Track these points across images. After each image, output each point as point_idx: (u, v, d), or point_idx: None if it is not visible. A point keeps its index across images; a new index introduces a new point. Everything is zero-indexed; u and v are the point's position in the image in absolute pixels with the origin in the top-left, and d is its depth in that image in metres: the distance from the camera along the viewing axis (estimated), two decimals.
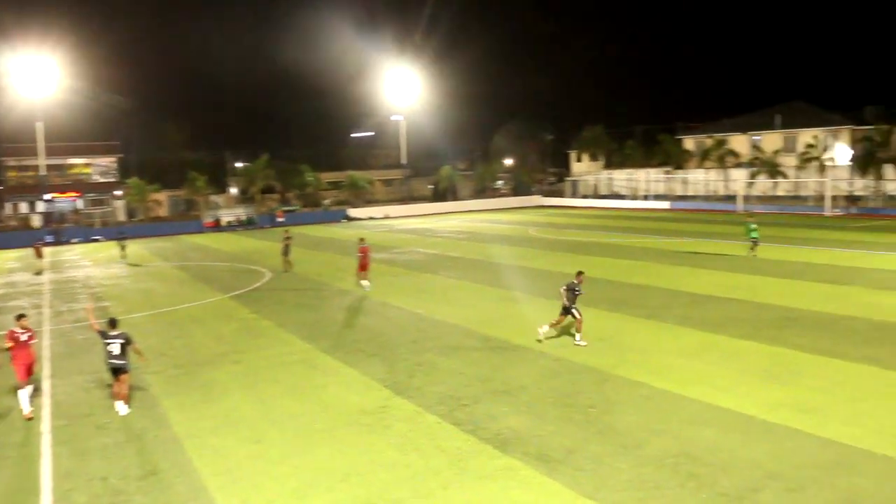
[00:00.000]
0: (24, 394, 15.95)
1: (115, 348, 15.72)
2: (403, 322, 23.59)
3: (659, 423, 13.55)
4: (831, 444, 12.25)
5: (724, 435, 12.85)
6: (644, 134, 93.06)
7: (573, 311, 19.68)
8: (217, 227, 75.17)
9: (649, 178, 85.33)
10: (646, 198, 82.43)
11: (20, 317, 16.82)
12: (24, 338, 16.20)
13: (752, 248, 35.38)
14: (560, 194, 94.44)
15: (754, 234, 35.34)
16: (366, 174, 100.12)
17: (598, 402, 14.96)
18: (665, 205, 76.53)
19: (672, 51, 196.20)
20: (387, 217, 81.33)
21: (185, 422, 15.04)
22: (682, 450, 12.26)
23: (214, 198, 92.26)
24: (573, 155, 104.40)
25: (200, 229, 74.58)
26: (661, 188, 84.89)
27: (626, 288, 27.82)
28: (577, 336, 19.70)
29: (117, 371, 15.79)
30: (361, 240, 32.55)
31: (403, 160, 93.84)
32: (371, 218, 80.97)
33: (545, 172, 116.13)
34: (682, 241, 43.25)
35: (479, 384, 16.53)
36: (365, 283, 30.28)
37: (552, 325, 20.08)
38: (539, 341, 19.80)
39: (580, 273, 20.68)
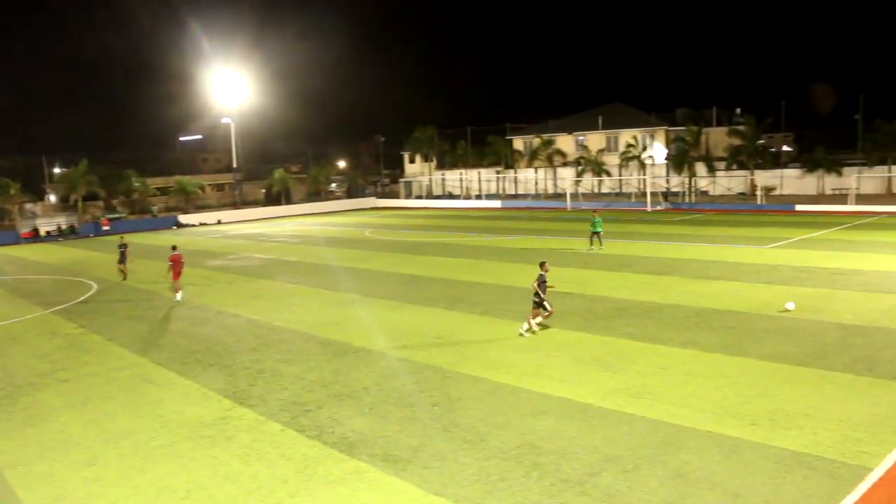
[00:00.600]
0: None
1: None
2: (241, 329, 23.04)
3: (501, 416, 13.90)
4: (661, 425, 12.98)
5: (563, 423, 13.35)
6: (474, 134, 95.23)
7: (545, 304, 19.94)
8: (35, 237, 70.62)
9: (481, 177, 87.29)
10: (478, 197, 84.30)
11: None
12: None
13: (594, 243, 37.02)
14: (395, 195, 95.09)
15: (598, 229, 36.92)
16: (196, 179, 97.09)
17: (441, 399, 15.17)
18: (497, 204, 78.54)
19: (499, 54, 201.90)
20: (219, 222, 79.13)
21: (6, 450, 14.00)
22: (524, 441, 12.63)
23: (30, 206, 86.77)
24: (406, 156, 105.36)
25: (17, 240, 69.84)
26: (492, 187, 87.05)
27: (462, 286, 28.36)
28: (526, 325, 20.21)
29: None
30: (174, 248, 31.11)
31: (235, 164, 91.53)
32: (203, 224, 78.52)
33: (379, 174, 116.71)
34: (514, 238, 44.56)
35: (322, 389, 16.39)
36: (178, 294, 29.36)
37: (529, 321, 20.26)
38: (520, 335, 19.99)
39: (543, 263, 20.78)
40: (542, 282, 20.16)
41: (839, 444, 11.89)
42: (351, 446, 12.91)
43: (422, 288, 28.34)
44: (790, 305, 21.59)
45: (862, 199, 57.45)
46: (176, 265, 29.86)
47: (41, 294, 33.95)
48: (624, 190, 75.86)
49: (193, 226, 77.34)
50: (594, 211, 39.87)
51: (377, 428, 13.72)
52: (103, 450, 13.63)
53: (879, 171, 65.55)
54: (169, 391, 17.02)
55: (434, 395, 15.41)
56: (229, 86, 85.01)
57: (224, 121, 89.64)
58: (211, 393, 16.61)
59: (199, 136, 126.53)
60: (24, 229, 72.22)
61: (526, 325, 20.26)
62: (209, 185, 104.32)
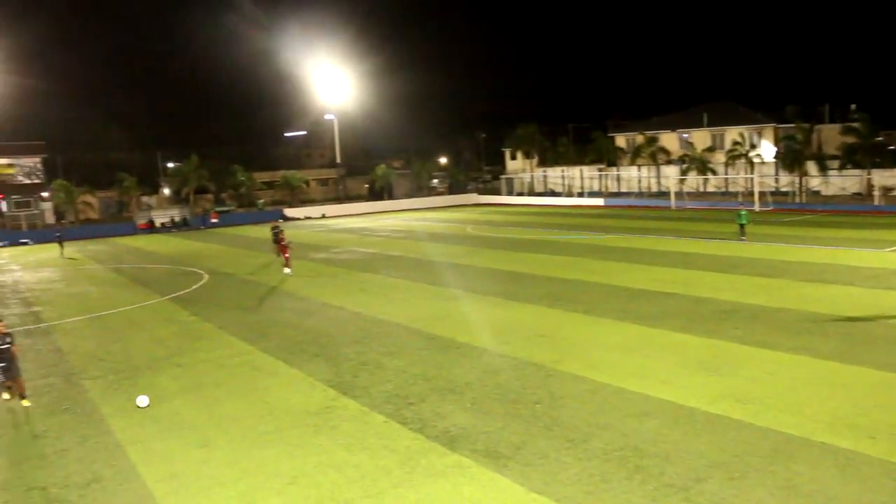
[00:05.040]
0: None
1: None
2: (345, 322, 23.51)
3: (603, 417, 13.77)
4: (770, 433, 12.60)
5: (667, 427, 13.13)
6: (576, 131, 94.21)
7: None
8: (151, 228, 73.71)
9: (583, 175, 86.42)
10: (580, 195, 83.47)
11: None
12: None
13: (741, 233, 39.20)
14: (496, 192, 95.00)
15: (743, 221, 39.35)
16: (301, 173, 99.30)
17: (544, 397, 15.13)
18: (599, 201, 77.57)
19: (602, 50, 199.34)
20: (324, 216, 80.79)
21: (128, 428, 14.76)
22: (627, 443, 12.49)
23: (146, 199, 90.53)
24: (507, 153, 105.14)
25: (134, 231, 73.10)
26: (594, 185, 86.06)
27: (564, 284, 28.18)
28: None
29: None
30: (274, 227, 36.60)
31: (338, 159, 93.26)
32: (308, 217, 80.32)
33: (480, 170, 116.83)
34: (617, 236, 43.96)
35: (425, 382, 16.58)
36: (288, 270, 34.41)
37: None
38: None
39: None
40: None
41: None
42: (453, 440, 13.03)
43: (523, 285, 28.29)
44: None
45: None
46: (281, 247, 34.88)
47: (157, 282, 35.43)
48: (730, 189, 73.81)
49: (298, 219, 79.16)
50: (741, 204, 41.04)
51: (479, 423, 13.79)
52: (214, 433, 14.16)
53: None
54: (276, 379, 17.53)
55: (536, 393, 15.38)
56: (333, 83, 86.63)
57: (327, 117, 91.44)
58: (316, 382, 17.02)
59: (304, 132, 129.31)
60: (141, 221, 75.52)
61: None
62: (313, 179, 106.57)
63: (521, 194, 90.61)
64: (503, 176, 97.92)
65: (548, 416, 13.94)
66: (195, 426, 14.59)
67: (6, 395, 16.68)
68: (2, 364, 16.20)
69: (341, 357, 19.14)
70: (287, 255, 35.44)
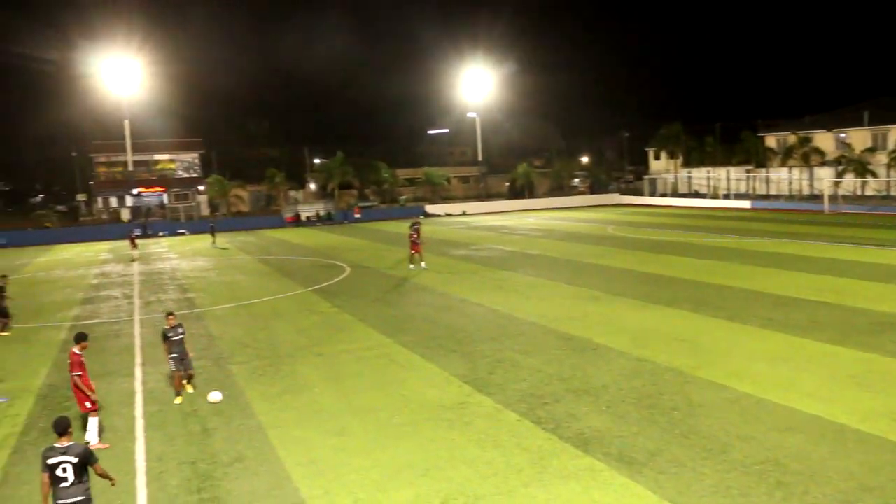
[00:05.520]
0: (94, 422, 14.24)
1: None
2: (482, 318, 23.62)
3: (744, 428, 13.23)
4: None
5: (813, 443, 12.48)
6: (723, 131, 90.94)
7: None
8: (297, 221, 76.48)
9: (730, 176, 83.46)
10: (726, 196, 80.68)
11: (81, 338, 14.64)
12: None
13: None
14: (638, 192, 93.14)
15: None
16: (443, 171, 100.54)
17: (681, 404, 14.71)
18: (746, 204, 74.71)
19: (751, 47, 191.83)
20: (464, 213, 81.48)
21: (270, 412, 15.36)
22: (768, 456, 11.95)
23: (294, 193, 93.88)
24: (651, 152, 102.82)
25: (281, 224, 76.04)
26: (742, 187, 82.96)
27: (707, 288, 27.28)
28: None
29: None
30: (413, 224, 36.74)
31: (479, 157, 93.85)
32: (448, 214, 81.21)
33: (622, 170, 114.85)
34: (765, 241, 42.18)
35: (560, 383, 16.44)
36: (412, 265, 35.53)
37: None
38: None
39: None
40: None
41: None
42: (586, 443, 12.86)
43: (664, 288, 27.60)
44: None
45: None
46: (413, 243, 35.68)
47: (301, 274, 36.70)
48: (892, 192, 69.51)
49: (439, 216, 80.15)
50: None
51: (614, 427, 13.56)
52: (351, 422, 14.53)
53: None
54: (412, 373, 17.81)
55: (674, 399, 14.98)
56: (476, 81, 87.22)
57: (470, 115, 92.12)
58: (452, 378, 17.18)
59: (447, 130, 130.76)
60: (288, 214, 78.45)
61: None
62: (455, 177, 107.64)
63: (663, 195, 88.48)
64: (646, 176, 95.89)
65: (685, 424, 13.55)
66: (333, 414, 15.01)
67: (190, 389, 16.84)
68: (174, 355, 16.44)
69: (477, 354, 19.24)
70: (414, 251, 35.68)
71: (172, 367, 16.59)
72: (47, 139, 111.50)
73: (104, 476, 9.36)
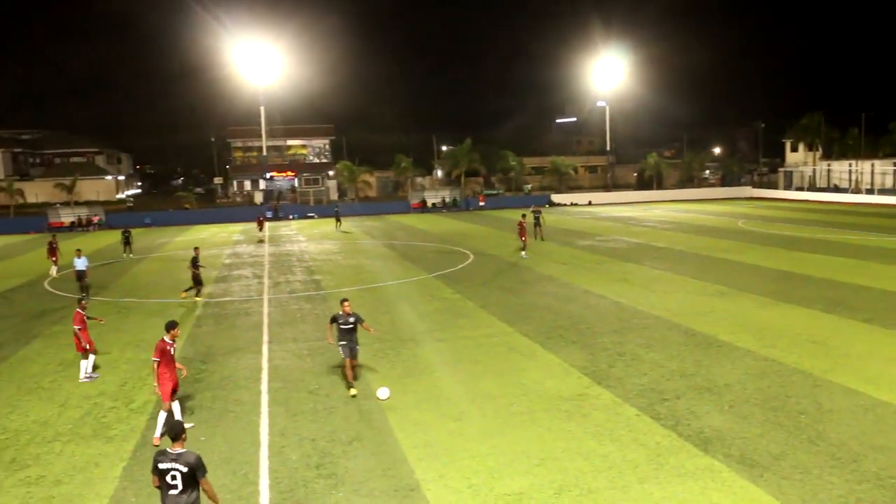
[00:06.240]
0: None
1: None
2: (605, 310, 23.26)
3: (879, 438, 12.47)
4: None
5: None
6: (870, 122, 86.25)
7: None
8: (423, 208, 77.41)
9: (874, 170, 79.09)
10: (869, 191, 76.53)
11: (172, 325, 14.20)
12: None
13: None
14: (772, 186, 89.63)
15: None
16: (569, 160, 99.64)
17: (810, 408, 14.03)
18: (892, 199, 70.60)
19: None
20: (590, 204, 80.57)
21: (391, 395, 15.59)
22: None
23: (420, 180, 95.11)
24: (788, 144, 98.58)
25: (407, 209, 77.18)
26: (887, 181, 78.47)
27: (844, 288, 25.92)
28: None
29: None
30: (523, 216, 39.17)
31: (608, 147, 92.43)
32: (574, 204, 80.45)
33: (756, 162, 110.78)
34: None
35: (682, 379, 16.01)
36: (524, 254, 36.50)
37: None
38: None
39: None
40: None
41: None
42: (706, 442, 12.47)
43: (797, 286, 26.42)
44: None
45: None
46: (522, 230, 37.18)
47: (425, 259, 37.12)
48: None
49: (565, 205, 79.51)
50: None
51: (736, 428, 13.09)
52: (469, 407, 14.59)
53: None
54: (532, 362, 17.72)
55: (802, 403, 14.31)
56: (606, 70, 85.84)
57: (599, 104, 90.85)
58: (571, 369, 17.00)
59: (574, 119, 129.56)
60: (414, 200, 79.45)
61: None
62: (582, 166, 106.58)
63: (800, 189, 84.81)
64: (781, 169, 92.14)
65: (812, 429, 12.92)
66: (451, 399, 15.11)
67: (353, 391, 15.66)
68: (343, 343, 15.91)
69: (598, 346, 18.98)
70: (523, 237, 37.15)
71: (342, 354, 16.05)
72: (189, 125, 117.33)
73: (210, 495, 8.75)
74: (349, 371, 15.92)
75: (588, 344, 19.14)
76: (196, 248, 29.79)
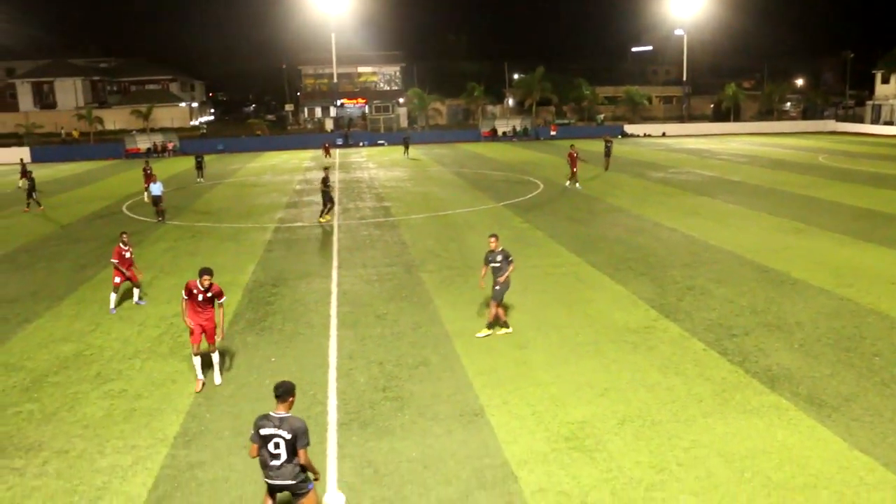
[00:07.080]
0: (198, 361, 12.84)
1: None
2: (675, 244, 22.92)
3: None
4: None
5: None
6: None
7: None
8: (493, 136, 76.80)
9: None
10: None
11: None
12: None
13: None
14: (858, 119, 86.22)
15: None
16: (644, 90, 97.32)
17: (885, 350, 13.64)
18: None
19: None
20: (664, 135, 78.87)
21: (456, 321, 15.74)
22: None
23: (491, 108, 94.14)
24: (878, 75, 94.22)
25: (477, 138, 76.67)
26: None
27: None
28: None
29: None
30: (572, 146, 37.60)
31: (684, 77, 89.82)
32: (647, 135, 78.88)
33: (842, 95, 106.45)
34: None
35: (751, 315, 15.74)
36: (569, 183, 36.32)
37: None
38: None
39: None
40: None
41: None
42: (773, 380, 12.29)
43: (880, 225, 25.52)
44: None
45: None
46: (573, 161, 36.15)
47: (494, 188, 36.99)
48: None
49: (638, 136, 78.02)
50: None
51: (805, 367, 12.86)
52: (534, 336, 14.64)
53: None
54: (600, 293, 17.64)
55: (877, 345, 13.91)
56: None
57: (677, 32, 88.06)
58: (639, 301, 16.87)
59: (650, 48, 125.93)
60: (485, 129, 78.82)
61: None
62: (657, 97, 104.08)
63: (888, 123, 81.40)
64: (869, 102, 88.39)
65: (886, 372, 12.55)
66: (517, 328, 15.14)
67: (483, 332, 14.68)
68: (496, 286, 14.59)
69: (668, 279, 18.75)
70: (574, 169, 36.35)
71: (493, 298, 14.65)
72: (260, 52, 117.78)
73: (309, 467, 7.80)
74: (492, 313, 14.64)
75: (657, 277, 18.94)
76: (326, 169, 31.22)
